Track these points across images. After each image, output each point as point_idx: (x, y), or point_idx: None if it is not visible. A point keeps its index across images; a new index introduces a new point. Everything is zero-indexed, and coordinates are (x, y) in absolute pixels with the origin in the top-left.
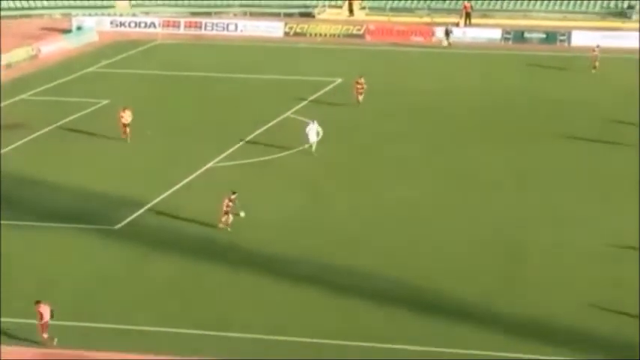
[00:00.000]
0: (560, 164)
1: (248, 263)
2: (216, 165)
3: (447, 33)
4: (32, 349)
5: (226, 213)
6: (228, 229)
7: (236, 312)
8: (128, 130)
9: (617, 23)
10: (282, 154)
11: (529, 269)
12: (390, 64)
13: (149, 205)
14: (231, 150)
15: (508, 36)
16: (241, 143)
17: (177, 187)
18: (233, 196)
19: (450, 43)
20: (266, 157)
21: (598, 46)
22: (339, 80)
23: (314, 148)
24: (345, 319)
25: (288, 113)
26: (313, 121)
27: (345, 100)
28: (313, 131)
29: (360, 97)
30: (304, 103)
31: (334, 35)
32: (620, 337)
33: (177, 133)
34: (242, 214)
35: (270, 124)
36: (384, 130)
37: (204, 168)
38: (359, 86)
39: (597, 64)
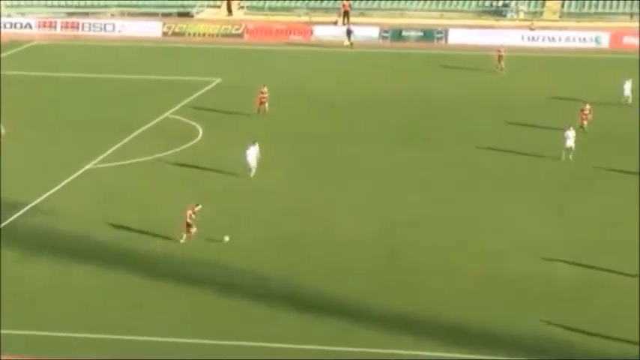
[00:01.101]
0: (452, 165)
1: (128, 265)
2: (94, 167)
3: (349, 33)
4: None
5: (189, 225)
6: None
7: (113, 313)
8: None
9: (492, 21)
10: (162, 155)
11: (414, 267)
12: (271, 64)
13: (27, 208)
14: (110, 151)
15: (386, 34)
16: (120, 144)
17: (56, 189)
18: (197, 208)
19: (351, 43)
20: (146, 158)
21: (502, 46)
22: (219, 80)
23: (253, 172)
24: (230, 318)
25: (168, 114)
26: (254, 143)
27: (227, 100)
28: (253, 154)
29: (264, 106)
30: (184, 102)
31: (213, 35)
32: (506, 334)
33: (54, 135)
34: (226, 238)
35: (149, 125)
36: (272, 130)
37: (83, 170)
38: (262, 95)
39: (503, 64)
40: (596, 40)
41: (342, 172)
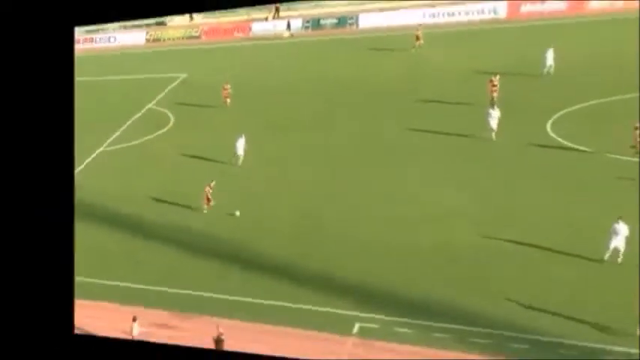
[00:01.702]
0: (373, 142)
1: (88, 239)
2: (104, 149)
3: (289, 25)
4: None
5: (208, 199)
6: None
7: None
8: None
9: (395, 3)
10: (143, 140)
11: (329, 236)
12: (223, 60)
13: None
14: (112, 137)
15: (307, 24)
16: (119, 132)
17: (80, 168)
18: (212, 184)
19: (292, 34)
20: (136, 142)
21: (420, 25)
22: (184, 75)
23: (240, 161)
24: (166, 278)
25: (150, 105)
26: (241, 135)
27: (192, 92)
28: (241, 145)
29: (226, 100)
30: (160, 96)
31: (179, 38)
32: (406, 296)
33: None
34: (237, 213)
35: (138, 115)
36: (233, 119)
37: (97, 153)
38: (225, 91)
39: (422, 42)
40: (494, 11)
41: (269, 154)
